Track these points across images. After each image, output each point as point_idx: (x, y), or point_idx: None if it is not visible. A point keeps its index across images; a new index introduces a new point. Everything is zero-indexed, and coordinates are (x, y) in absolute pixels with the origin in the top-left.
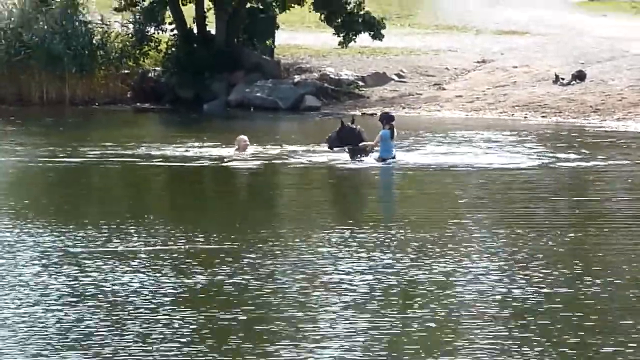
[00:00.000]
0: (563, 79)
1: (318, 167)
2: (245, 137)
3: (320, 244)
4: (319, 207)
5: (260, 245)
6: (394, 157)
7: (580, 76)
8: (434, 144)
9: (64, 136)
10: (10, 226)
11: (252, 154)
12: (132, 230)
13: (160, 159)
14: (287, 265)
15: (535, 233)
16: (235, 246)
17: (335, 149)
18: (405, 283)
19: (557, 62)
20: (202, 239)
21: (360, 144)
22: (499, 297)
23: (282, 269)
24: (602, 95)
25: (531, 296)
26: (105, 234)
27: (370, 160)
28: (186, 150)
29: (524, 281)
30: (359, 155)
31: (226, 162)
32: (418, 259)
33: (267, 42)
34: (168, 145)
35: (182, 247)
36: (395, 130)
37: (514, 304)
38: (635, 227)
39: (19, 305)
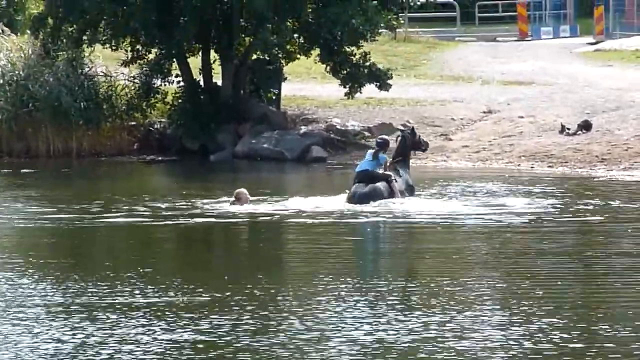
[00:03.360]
0: (569, 129)
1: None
2: (244, 190)
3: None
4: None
5: (265, 297)
6: (365, 171)
7: (586, 126)
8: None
9: (71, 190)
10: (13, 281)
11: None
12: (132, 285)
13: (164, 215)
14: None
15: (543, 287)
16: (236, 298)
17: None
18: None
19: (563, 112)
20: (201, 292)
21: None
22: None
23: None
24: (609, 145)
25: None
26: (108, 288)
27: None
28: (191, 205)
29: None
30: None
31: (229, 215)
32: (422, 311)
33: (274, 93)
34: (172, 199)
35: (182, 300)
36: (380, 155)
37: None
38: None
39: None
